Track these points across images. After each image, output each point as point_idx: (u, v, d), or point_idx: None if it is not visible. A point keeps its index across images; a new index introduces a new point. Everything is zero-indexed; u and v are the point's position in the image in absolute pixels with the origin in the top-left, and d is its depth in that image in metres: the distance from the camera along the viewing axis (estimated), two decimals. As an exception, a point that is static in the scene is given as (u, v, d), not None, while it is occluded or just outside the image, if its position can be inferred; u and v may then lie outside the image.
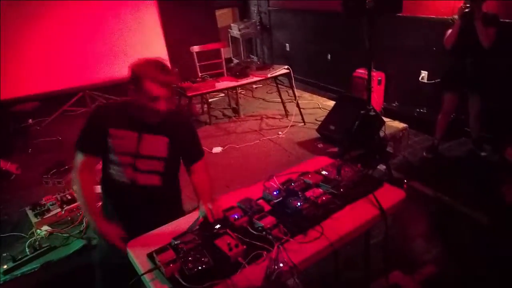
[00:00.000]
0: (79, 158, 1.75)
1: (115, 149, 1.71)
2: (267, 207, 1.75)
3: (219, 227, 1.58)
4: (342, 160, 2.06)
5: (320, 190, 1.78)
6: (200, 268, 1.36)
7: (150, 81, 1.61)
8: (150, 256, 1.48)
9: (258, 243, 1.48)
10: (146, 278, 1.41)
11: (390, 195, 1.78)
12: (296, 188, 1.82)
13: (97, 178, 1.88)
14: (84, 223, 2.55)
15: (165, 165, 1.80)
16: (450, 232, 2.70)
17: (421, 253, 2.52)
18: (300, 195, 1.74)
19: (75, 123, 4.84)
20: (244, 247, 1.45)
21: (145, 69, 1.64)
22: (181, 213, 1.95)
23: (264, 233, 1.52)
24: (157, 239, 1.60)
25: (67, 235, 2.44)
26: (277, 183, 1.89)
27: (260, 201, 1.81)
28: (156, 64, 1.65)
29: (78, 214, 2.66)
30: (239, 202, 1.76)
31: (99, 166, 1.84)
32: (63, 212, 2.63)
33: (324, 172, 1.95)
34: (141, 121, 1.71)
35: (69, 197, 2.74)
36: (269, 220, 1.57)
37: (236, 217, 1.62)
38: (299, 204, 1.67)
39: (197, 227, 1.63)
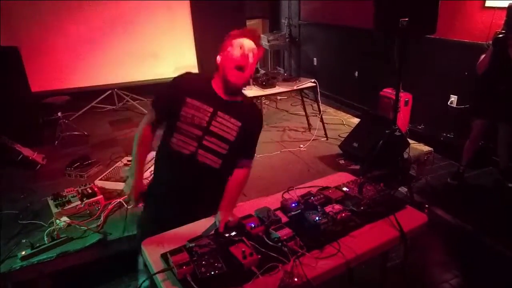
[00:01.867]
0: (151, 114, 1.79)
1: (187, 119, 1.69)
2: (284, 219, 1.73)
3: (234, 234, 1.57)
4: (365, 178, 2.02)
5: (340, 206, 1.75)
6: (213, 273, 1.36)
7: (237, 41, 1.68)
8: (164, 256, 1.48)
9: (273, 254, 1.45)
10: (158, 278, 1.41)
11: (411, 218, 1.73)
12: (316, 202, 1.79)
13: (154, 144, 1.88)
14: (102, 218, 2.59)
15: (229, 148, 1.74)
16: (470, 262, 2.60)
17: (439, 281, 2.44)
18: (319, 210, 1.71)
19: (102, 120, 5.01)
20: (259, 256, 1.44)
21: (236, 32, 1.71)
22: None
23: (279, 244, 1.50)
24: (172, 240, 1.60)
25: (85, 228, 2.48)
26: (297, 195, 1.87)
27: (278, 212, 1.78)
28: (249, 30, 1.74)
29: (97, 208, 2.70)
30: (256, 211, 1.74)
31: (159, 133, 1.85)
32: (82, 205, 2.68)
33: (345, 189, 1.92)
34: (220, 97, 1.73)
35: (90, 191, 2.79)
36: (285, 232, 1.54)
37: (253, 225, 1.61)
38: (317, 218, 1.64)
39: (213, 232, 1.63)
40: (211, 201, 1.79)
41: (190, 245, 1.51)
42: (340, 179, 2.06)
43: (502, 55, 3.04)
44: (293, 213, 1.74)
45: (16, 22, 4.67)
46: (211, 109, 1.70)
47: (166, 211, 1.81)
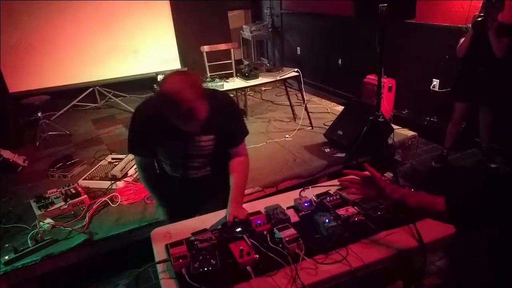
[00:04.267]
0: (136, 159, 1.86)
1: (166, 156, 1.81)
2: (295, 218, 1.65)
3: (239, 231, 1.52)
4: (390, 179, 1.89)
5: (354, 209, 1.63)
6: (205, 269, 1.34)
7: (182, 103, 1.42)
8: (167, 247, 1.48)
9: (273, 255, 1.39)
10: (158, 268, 1.42)
11: (437, 228, 1.54)
12: (329, 203, 1.69)
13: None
14: (87, 218, 2.55)
15: (213, 157, 1.81)
16: (454, 243, 2.64)
17: (427, 262, 2.47)
18: (331, 212, 1.60)
19: (84, 118, 4.92)
20: (256, 256, 1.38)
21: (171, 94, 1.43)
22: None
23: (280, 245, 1.44)
24: (181, 231, 1.61)
25: (70, 229, 2.44)
26: (313, 194, 1.78)
27: (290, 210, 1.72)
28: (179, 84, 1.44)
29: (81, 208, 2.66)
30: (266, 208, 1.69)
31: None
32: (66, 206, 2.64)
33: None
34: (184, 130, 1.61)
35: (73, 191, 2.75)
36: (289, 233, 1.46)
37: (259, 222, 1.55)
38: (326, 221, 1.53)
39: (220, 226, 1.61)
40: (216, 199, 1.86)
41: (192, 238, 1.49)
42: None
43: (481, 38, 3.06)
44: (303, 213, 1.66)
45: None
46: (181, 142, 1.72)
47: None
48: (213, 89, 2.12)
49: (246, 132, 1.86)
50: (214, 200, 1.88)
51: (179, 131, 1.59)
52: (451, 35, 3.63)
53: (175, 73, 1.51)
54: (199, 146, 1.73)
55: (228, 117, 1.74)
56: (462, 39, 3.25)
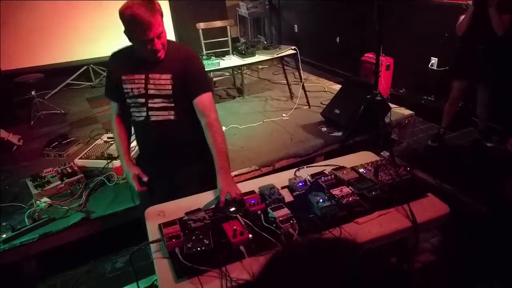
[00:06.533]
0: (112, 104, 1.95)
1: (129, 93, 1.82)
2: (289, 198, 1.65)
3: (233, 210, 1.52)
4: (386, 159, 1.88)
5: (348, 189, 1.61)
6: (198, 249, 1.34)
7: (138, 26, 1.61)
8: (160, 227, 1.48)
9: (266, 235, 1.38)
10: (152, 248, 1.43)
11: (430, 208, 1.57)
12: (324, 183, 1.67)
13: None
14: (84, 197, 2.56)
15: (174, 100, 1.82)
16: (448, 221, 2.68)
17: (420, 240, 2.51)
18: (326, 192, 1.60)
19: (79, 97, 4.86)
20: (250, 236, 1.38)
21: (130, 15, 1.61)
22: (205, 160, 1.84)
23: (274, 225, 1.43)
24: (174, 210, 1.61)
25: (67, 208, 2.45)
26: (307, 173, 1.77)
27: (285, 190, 1.72)
28: (139, 5, 1.60)
29: (78, 187, 2.67)
30: (260, 188, 1.68)
31: None
32: (63, 185, 2.64)
33: (361, 170, 1.76)
34: (146, 61, 1.77)
35: (70, 170, 2.74)
36: (283, 213, 1.46)
37: (253, 202, 1.55)
38: (320, 201, 1.52)
39: (213, 206, 1.61)
40: (188, 150, 1.91)
41: (185, 218, 1.49)
42: (362, 159, 1.90)
43: (481, 15, 3.01)
44: (297, 192, 1.66)
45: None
46: (142, 76, 1.80)
47: (153, 176, 1.82)
48: (181, 43, 2.21)
49: (207, 85, 1.89)
50: (189, 169, 1.90)
51: (142, 66, 1.77)
52: (450, 13, 3.56)
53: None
54: (158, 84, 1.79)
55: (187, 64, 1.82)
56: (462, 17, 3.19)
